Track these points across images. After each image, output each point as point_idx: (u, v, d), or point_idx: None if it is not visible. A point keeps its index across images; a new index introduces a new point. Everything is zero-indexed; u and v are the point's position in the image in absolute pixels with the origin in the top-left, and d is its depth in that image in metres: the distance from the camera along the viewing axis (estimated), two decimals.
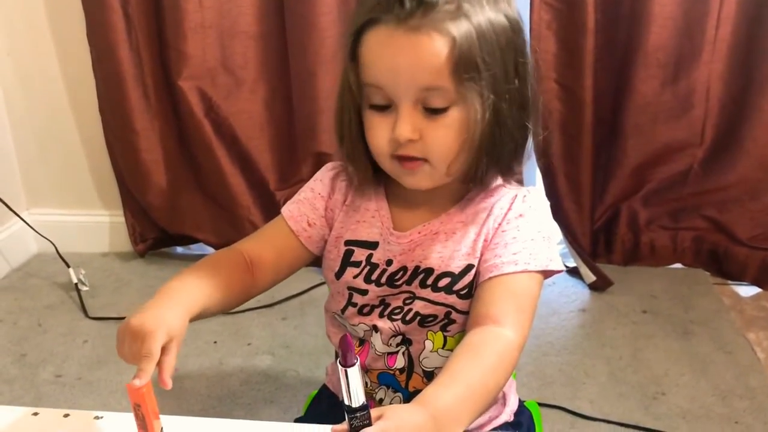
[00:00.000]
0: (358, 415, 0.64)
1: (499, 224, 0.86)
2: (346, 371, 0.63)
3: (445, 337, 0.88)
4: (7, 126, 2.08)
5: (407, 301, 0.88)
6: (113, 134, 2.00)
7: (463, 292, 0.85)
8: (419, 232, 0.88)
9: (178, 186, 2.03)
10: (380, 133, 0.80)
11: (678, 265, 2.00)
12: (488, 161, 0.82)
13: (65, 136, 2.08)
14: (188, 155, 2.00)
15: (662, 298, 1.87)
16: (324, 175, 0.95)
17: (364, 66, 0.79)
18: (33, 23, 1.95)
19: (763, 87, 1.80)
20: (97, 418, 0.76)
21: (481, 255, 0.85)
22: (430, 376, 0.89)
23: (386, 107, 0.79)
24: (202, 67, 1.87)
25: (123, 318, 1.90)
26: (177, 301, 0.81)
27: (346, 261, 0.89)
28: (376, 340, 0.89)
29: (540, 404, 1.10)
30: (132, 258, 2.13)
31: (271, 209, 2.01)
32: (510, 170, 0.86)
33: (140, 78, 1.90)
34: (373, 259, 0.88)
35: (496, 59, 0.77)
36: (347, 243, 0.89)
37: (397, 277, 0.88)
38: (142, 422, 0.68)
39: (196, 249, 2.16)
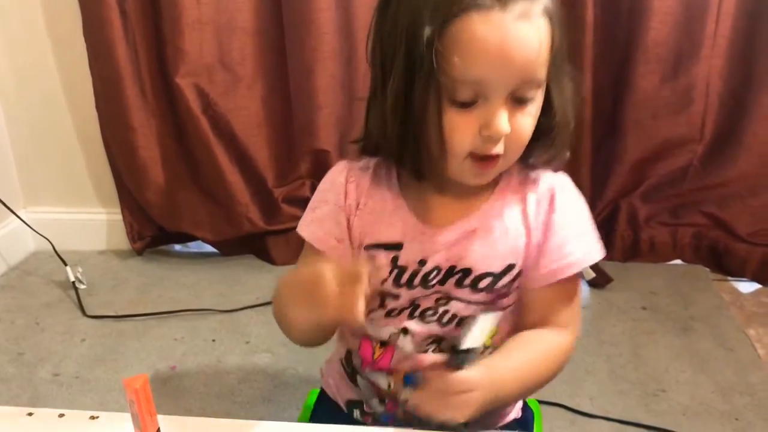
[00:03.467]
0: (465, 356, 0.70)
1: (546, 220, 0.81)
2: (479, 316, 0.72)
3: None
4: (3, 124, 2.07)
5: (441, 302, 0.82)
6: (110, 132, 1.99)
7: (503, 291, 0.82)
8: (455, 230, 0.81)
9: (176, 183, 2.02)
10: (465, 132, 0.73)
11: (678, 262, 2.00)
12: (546, 147, 0.79)
13: (62, 134, 2.07)
14: (186, 152, 1.99)
15: (662, 295, 1.87)
16: (335, 180, 0.87)
17: (455, 60, 0.69)
18: (29, 20, 1.94)
19: (762, 82, 1.79)
20: (92, 418, 0.75)
21: (526, 255, 0.81)
22: None
23: (470, 103, 0.72)
24: (200, 64, 1.87)
25: (121, 316, 1.90)
26: None
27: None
28: (405, 342, 0.84)
29: (540, 402, 1.09)
30: (129, 256, 2.12)
31: (269, 206, 2.00)
32: (563, 155, 0.81)
33: (137, 75, 1.90)
34: (401, 262, 0.82)
35: (564, 40, 0.75)
36: (367, 248, 0.83)
37: (430, 278, 0.82)
38: (137, 419, 0.67)
39: (194, 247, 2.16)
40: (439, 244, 0.81)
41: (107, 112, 1.96)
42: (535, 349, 0.82)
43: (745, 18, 1.76)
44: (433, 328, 0.83)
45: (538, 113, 0.75)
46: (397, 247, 0.82)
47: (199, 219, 2.03)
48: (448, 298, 0.82)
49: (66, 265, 1.97)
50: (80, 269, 1.97)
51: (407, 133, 0.75)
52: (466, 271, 0.80)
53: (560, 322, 0.83)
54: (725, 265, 1.95)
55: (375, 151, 0.84)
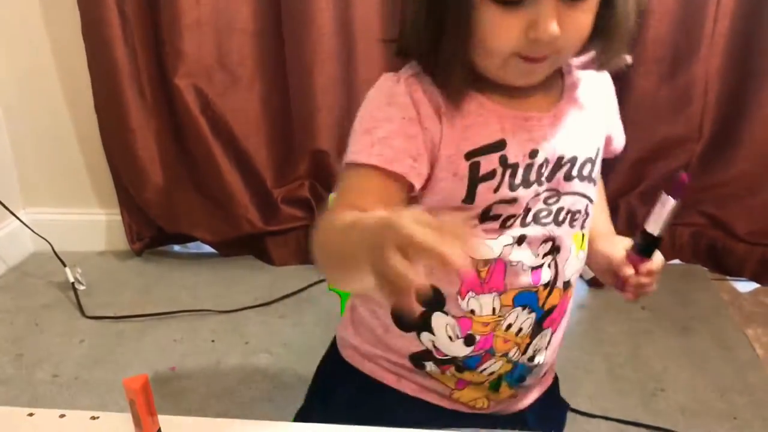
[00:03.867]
0: (656, 242, 0.75)
1: (610, 102, 0.85)
2: (668, 202, 0.73)
3: (582, 236, 0.81)
4: (2, 124, 2.07)
5: (550, 201, 0.76)
6: (109, 132, 1.99)
7: (594, 176, 0.80)
8: (555, 115, 0.76)
9: (175, 184, 2.02)
10: (507, 33, 0.66)
11: (676, 261, 2.00)
12: (603, 47, 0.74)
13: (61, 135, 2.07)
14: (184, 153, 1.99)
15: (661, 295, 1.85)
16: (393, 92, 0.73)
17: None
18: (28, 20, 1.94)
19: (761, 82, 1.79)
20: (93, 418, 0.75)
21: (603, 134, 0.83)
22: (567, 286, 0.81)
23: (517, 1, 0.65)
24: (198, 65, 1.87)
25: (120, 317, 1.90)
26: None
27: (475, 178, 0.72)
28: (522, 253, 0.75)
29: None
30: (129, 256, 2.12)
31: (268, 207, 2.00)
32: (621, 58, 0.76)
33: (136, 75, 1.89)
34: (511, 159, 0.73)
35: None
36: (468, 156, 0.72)
37: (543, 171, 0.75)
38: (138, 420, 0.68)
39: (193, 247, 2.16)
40: (547, 129, 0.75)
41: (106, 112, 1.96)
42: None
43: (743, 17, 1.76)
44: (551, 230, 0.77)
45: (595, 8, 0.68)
46: (499, 146, 0.73)
47: (198, 219, 2.03)
48: (558, 194, 0.76)
49: (65, 266, 1.97)
50: (79, 270, 1.97)
51: (438, 32, 0.68)
52: (573, 160, 0.77)
53: None
54: (724, 264, 1.95)
55: (409, 52, 0.75)
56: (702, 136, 1.90)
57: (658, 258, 0.79)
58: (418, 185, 0.72)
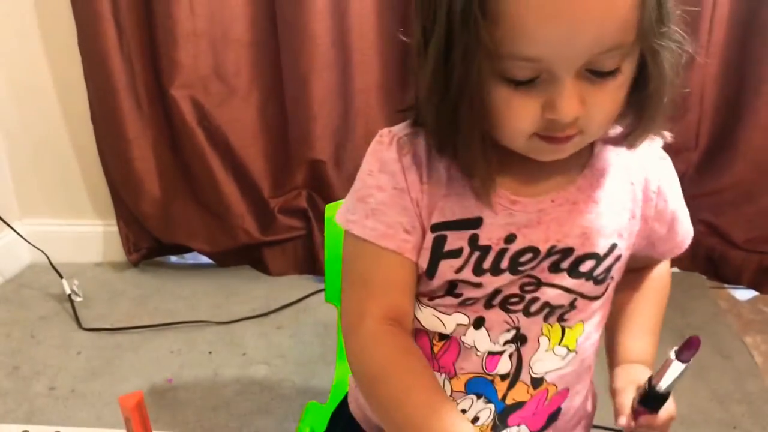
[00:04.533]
0: (663, 398, 0.71)
1: (656, 196, 0.72)
2: (677, 363, 0.68)
3: (563, 330, 0.72)
4: None
5: (527, 288, 0.69)
6: (106, 143, 1.99)
7: (600, 277, 0.70)
8: (553, 200, 0.68)
9: (172, 195, 2.02)
10: (524, 113, 0.59)
11: (674, 269, 2.00)
12: (647, 121, 0.65)
13: (58, 146, 2.07)
14: (181, 164, 1.99)
15: None
16: (384, 157, 0.69)
17: (508, 32, 0.54)
18: (24, 32, 1.94)
19: (756, 89, 1.80)
20: None
21: (630, 232, 0.71)
22: (537, 384, 0.73)
23: (529, 81, 0.58)
24: (195, 76, 1.87)
25: (117, 329, 1.90)
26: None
27: (437, 253, 0.68)
28: (478, 336, 0.70)
29: None
30: (125, 268, 2.12)
31: (265, 217, 2.00)
32: (663, 128, 0.69)
33: (132, 87, 1.90)
34: (482, 241, 0.67)
35: None
36: (434, 227, 0.67)
37: (522, 260, 0.67)
38: None
39: (190, 258, 2.15)
40: (533, 216, 0.68)
41: (103, 123, 1.96)
42: (662, 306, 0.84)
43: (739, 26, 1.76)
44: (516, 319, 0.70)
45: (628, 83, 0.61)
46: (474, 223, 0.67)
47: (195, 230, 2.03)
48: (539, 284, 0.69)
49: (62, 277, 1.96)
50: (76, 282, 1.96)
51: (446, 111, 0.61)
52: (567, 252, 0.68)
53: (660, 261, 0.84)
54: (722, 272, 1.95)
55: (425, 126, 0.68)
56: (699, 144, 1.90)
57: (665, 411, 0.72)
58: (415, 258, 0.69)
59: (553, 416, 0.77)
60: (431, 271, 0.69)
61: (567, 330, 0.72)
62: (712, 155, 1.90)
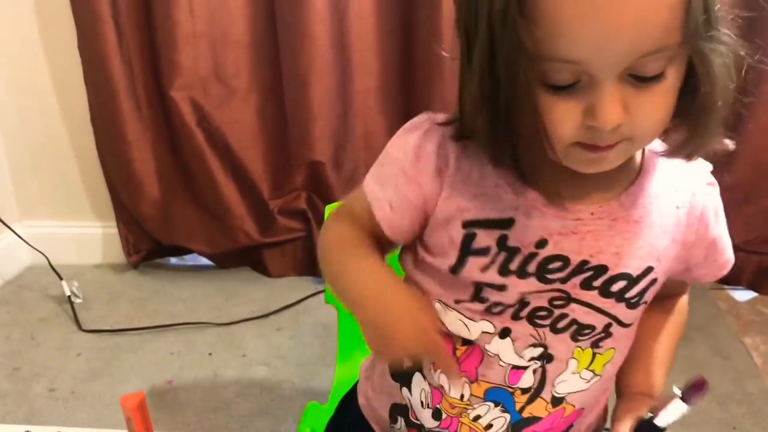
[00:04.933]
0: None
1: (699, 223, 0.70)
2: (681, 404, 0.69)
3: (594, 355, 0.71)
4: None
5: (557, 303, 0.67)
6: (105, 145, 1.99)
7: (633, 300, 0.68)
8: (592, 213, 0.65)
9: (171, 196, 2.02)
10: (564, 120, 0.57)
11: None
12: (701, 129, 0.61)
13: (57, 148, 2.07)
14: (181, 165, 1.99)
15: None
16: (408, 134, 0.69)
17: (547, 32, 0.53)
18: (24, 35, 1.94)
19: (756, 92, 1.80)
20: None
21: (666, 257, 0.69)
22: (557, 402, 0.72)
23: (569, 86, 0.56)
24: (194, 77, 1.87)
25: (117, 330, 1.89)
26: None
27: (466, 249, 0.67)
28: (503, 347, 0.69)
29: None
30: (125, 269, 2.12)
31: (264, 219, 2.00)
32: (708, 145, 0.64)
33: (132, 88, 1.90)
34: (511, 242, 0.65)
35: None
36: (465, 224, 0.67)
37: (551, 267, 0.66)
38: None
39: (189, 260, 2.15)
40: (569, 225, 0.65)
41: (102, 125, 1.96)
42: (676, 338, 0.84)
43: (736, 27, 1.77)
44: (543, 334, 0.69)
45: (675, 89, 0.58)
46: (505, 224, 0.66)
47: (195, 232, 2.03)
48: (568, 299, 0.67)
49: (61, 279, 1.96)
50: (76, 283, 1.96)
51: (497, 121, 0.59)
52: (600, 270, 0.66)
53: (685, 289, 0.82)
54: None
55: (471, 135, 0.66)
56: None
57: None
58: (388, 233, 0.71)
59: None
60: (458, 267, 0.67)
61: (597, 356, 0.71)
62: (711, 156, 1.90)
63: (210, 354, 1.71)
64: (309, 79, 1.84)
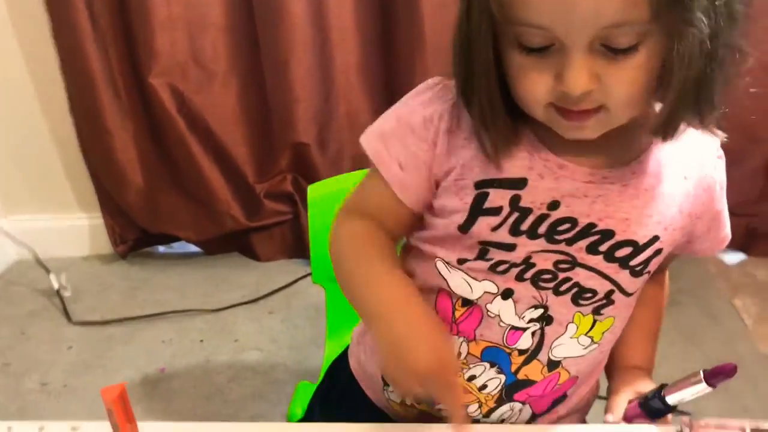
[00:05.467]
0: (667, 409, 0.70)
1: (706, 195, 0.71)
2: (704, 386, 0.67)
3: (594, 322, 0.72)
4: None
5: (562, 266, 0.68)
6: (86, 135, 1.97)
7: (638, 268, 0.69)
8: (604, 177, 0.66)
9: (156, 184, 2.00)
10: (537, 82, 0.59)
11: None
12: (685, 105, 0.61)
13: (38, 141, 2.04)
14: (163, 153, 1.97)
15: None
16: (417, 94, 0.71)
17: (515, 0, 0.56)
18: None
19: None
20: (73, 429, 0.74)
21: (673, 227, 0.69)
22: (553, 366, 0.73)
23: (545, 48, 0.58)
24: (172, 62, 1.84)
25: (107, 321, 1.88)
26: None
27: (477, 209, 0.67)
28: (504, 307, 0.70)
29: None
30: (113, 260, 2.10)
31: (250, 203, 1.99)
32: (712, 113, 0.65)
33: (110, 77, 1.87)
34: (523, 203, 0.66)
35: None
36: (478, 185, 0.67)
37: (560, 229, 0.67)
38: (116, 428, 0.66)
39: (177, 247, 2.14)
40: (581, 186, 0.66)
41: (82, 116, 1.94)
42: (660, 314, 0.86)
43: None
44: (545, 296, 0.69)
45: (651, 65, 0.58)
46: (518, 184, 0.66)
47: (181, 219, 2.01)
48: (573, 263, 0.68)
49: (49, 272, 1.95)
50: (64, 276, 1.95)
51: (469, 77, 0.62)
52: (607, 234, 0.67)
53: (670, 263, 0.83)
54: None
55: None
56: None
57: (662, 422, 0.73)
58: (400, 195, 0.70)
59: (558, 401, 0.77)
60: (467, 225, 0.68)
61: (598, 323, 0.72)
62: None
63: (202, 341, 1.71)
64: (289, 60, 1.82)
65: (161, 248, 2.15)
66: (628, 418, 0.73)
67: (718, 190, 0.73)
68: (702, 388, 0.67)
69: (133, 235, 2.07)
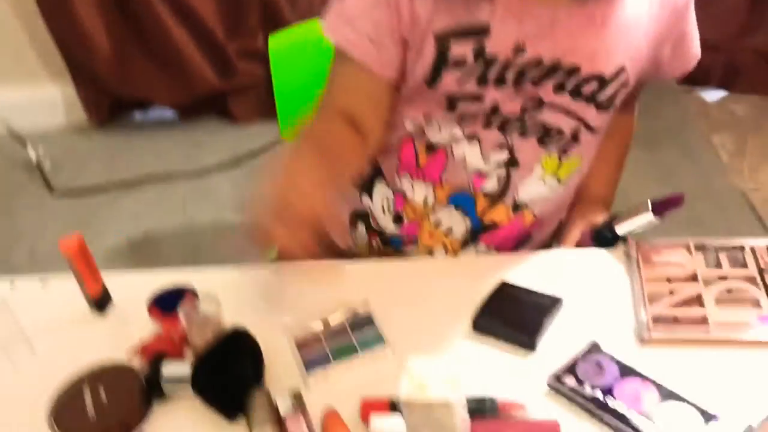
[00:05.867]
0: (616, 239, 0.72)
1: (671, 16, 0.69)
2: (649, 216, 0.69)
3: (560, 162, 0.72)
4: None
5: (529, 109, 0.67)
6: (49, 5, 1.89)
7: (605, 103, 0.68)
8: (569, 11, 0.63)
9: (124, 50, 1.94)
10: None
11: None
12: None
13: (1, 12, 1.96)
14: (129, 17, 1.89)
15: None
16: None
17: None
18: None
19: None
20: (42, 280, 0.76)
21: (639, 56, 0.68)
22: (518, 209, 0.74)
23: None
24: None
25: (90, 190, 1.86)
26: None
27: (440, 62, 0.65)
28: (470, 151, 0.70)
29: None
30: (90, 130, 2.07)
31: (223, 64, 1.94)
32: None
33: None
34: (489, 50, 0.64)
35: None
36: (438, 37, 0.64)
37: (526, 73, 0.65)
38: (80, 278, 0.68)
39: (154, 114, 2.10)
40: (545, 24, 0.64)
41: None
42: (626, 149, 0.87)
43: None
44: (510, 139, 0.69)
45: None
46: (481, 31, 0.64)
47: (154, 84, 1.97)
48: (540, 105, 0.67)
49: (26, 146, 1.93)
50: (42, 148, 1.93)
51: None
52: (573, 71, 0.66)
53: (637, 96, 0.82)
54: (691, 74, 1.91)
55: None
56: None
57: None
58: (384, 72, 0.68)
59: (522, 242, 0.79)
60: (433, 78, 0.66)
61: (564, 163, 0.72)
62: None
63: (184, 204, 1.72)
64: None
65: (137, 115, 2.12)
66: (580, 245, 0.75)
67: (682, 8, 0.70)
68: (650, 218, 0.69)
69: (106, 102, 2.03)
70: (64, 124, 2.11)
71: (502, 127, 0.68)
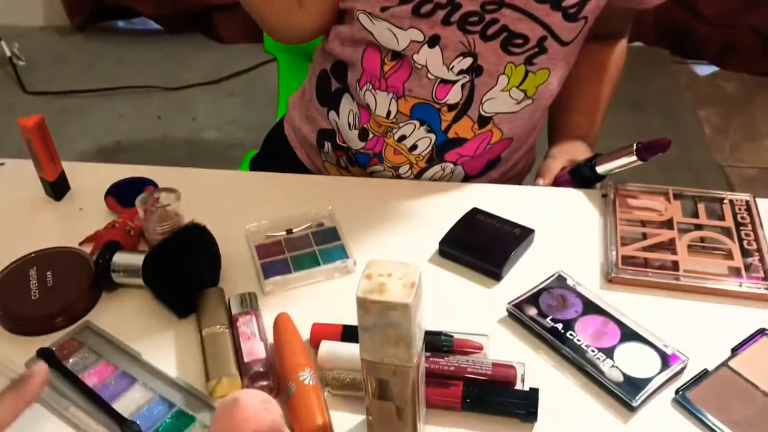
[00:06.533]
0: (593, 176, 0.70)
1: None
2: (633, 158, 0.67)
3: (526, 73, 0.69)
4: None
5: (489, 7, 0.64)
6: None
7: (571, 11, 0.65)
8: None
9: None
10: None
11: (638, 44, 1.95)
12: None
13: None
14: None
15: None
16: None
17: None
18: None
19: None
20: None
21: None
22: (484, 123, 0.71)
23: None
24: None
25: (63, 92, 1.83)
26: None
27: None
28: (432, 56, 0.67)
29: None
30: (70, 33, 2.01)
31: None
32: None
33: None
34: None
35: None
36: None
37: None
38: (37, 160, 0.65)
39: (138, 24, 2.05)
40: None
41: None
42: (612, 84, 0.81)
43: None
44: (472, 41, 0.66)
45: None
46: None
47: None
48: (500, 3, 0.64)
49: (0, 39, 1.87)
50: (17, 45, 1.87)
51: None
52: None
53: (624, 32, 0.79)
54: (686, 46, 1.90)
55: None
56: None
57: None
58: None
59: (492, 164, 0.76)
60: None
61: (530, 75, 0.68)
62: None
63: (159, 117, 1.68)
64: None
65: (121, 23, 2.06)
66: (557, 184, 0.73)
67: None
68: (633, 159, 0.67)
69: (89, 6, 1.97)
70: (44, 24, 2.04)
71: (462, 26, 0.65)
